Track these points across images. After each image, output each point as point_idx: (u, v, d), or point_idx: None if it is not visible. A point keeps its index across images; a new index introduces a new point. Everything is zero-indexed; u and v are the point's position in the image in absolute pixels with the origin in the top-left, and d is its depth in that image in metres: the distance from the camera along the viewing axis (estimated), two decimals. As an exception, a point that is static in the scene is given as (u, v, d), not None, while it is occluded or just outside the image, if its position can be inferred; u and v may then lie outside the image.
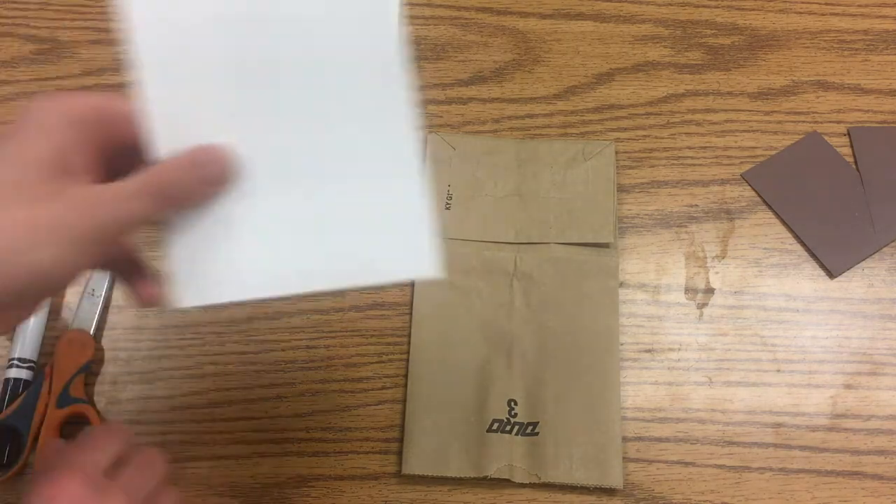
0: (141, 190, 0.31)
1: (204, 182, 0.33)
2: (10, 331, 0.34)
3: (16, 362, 0.52)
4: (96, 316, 0.53)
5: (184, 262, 0.35)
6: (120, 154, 0.33)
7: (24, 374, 0.52)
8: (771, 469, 0.51)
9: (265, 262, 0.36)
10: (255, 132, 0.35)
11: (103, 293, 0.54)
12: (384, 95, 0.36)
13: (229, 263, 0.36)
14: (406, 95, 0.36)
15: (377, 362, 0.54)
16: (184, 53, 0.35)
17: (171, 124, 0.34)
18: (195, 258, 0.35)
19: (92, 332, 0.53)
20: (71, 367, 0.51)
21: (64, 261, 0.30)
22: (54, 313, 0.54)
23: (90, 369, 0.52)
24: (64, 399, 0.50)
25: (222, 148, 0.34)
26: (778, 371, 0.54)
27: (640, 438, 0.52)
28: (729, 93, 0.62)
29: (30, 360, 0.52)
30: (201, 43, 0.35)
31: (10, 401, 0.51)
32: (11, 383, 0.51)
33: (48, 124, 0.31)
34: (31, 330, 0.53)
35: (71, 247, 0.30)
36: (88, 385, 0.52)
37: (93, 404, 0.52)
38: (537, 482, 0.49)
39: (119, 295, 0.55)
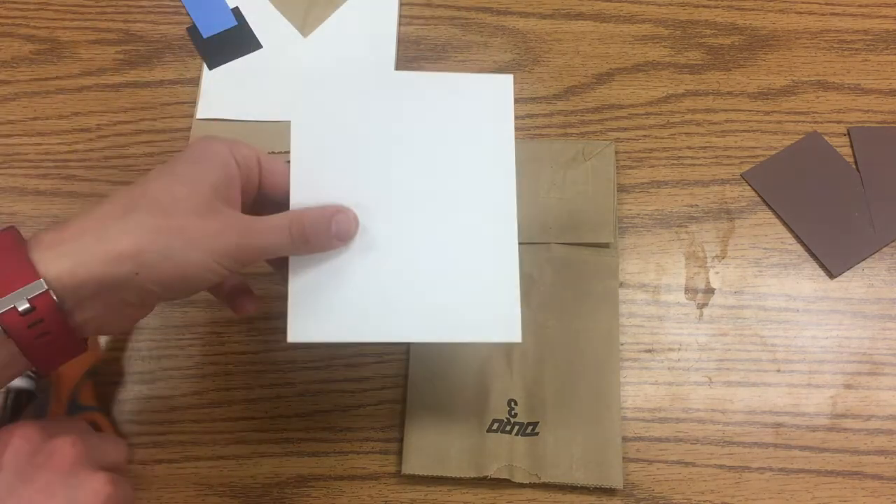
0: (286, 227, 0.39)
1: (335, 236, 0.40)
2: (129, 328, 0.41)
3: None
4: None
5: (299, 302, 0.41)
6: (252, 195, 0.42)
7: (24, 383, 0.50)
8: (771, 469, 0.51)
9: (369, 313, 0.42)
10: (374, 198, 0.42)
11: None
12: (493, 172, 0.44)
13: (338, 308, 0.41)
14: (512, 174, 0.43)
15: (377, 362, 0.54)
16: (329, 132, 0.43)
17: (308, 185, 0.42)
18: (309, 300, 0.41)
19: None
20: (74, 373, 0.49)
21: (205, 267, 0.36)
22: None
23: (97, 373, 0.51)
24: (73, 408, 0.48)
25: (353, 212, 0.41)
26: (778, 371, 0.54)
27: (640, 438, 0.52)
28: (729, 93, 0.62)
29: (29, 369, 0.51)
30: (346, 126, 0.43)
31: (13, 412, 0.49)
32: (13, 394, 0.50)
33: (223, 159, 0.39)
34: None
35: (215, 257, 0.37)
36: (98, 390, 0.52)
37: (105, 410, 0.51)
38: (537, 482, 0.49)
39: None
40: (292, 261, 0.41)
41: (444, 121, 0.44)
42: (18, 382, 0.50)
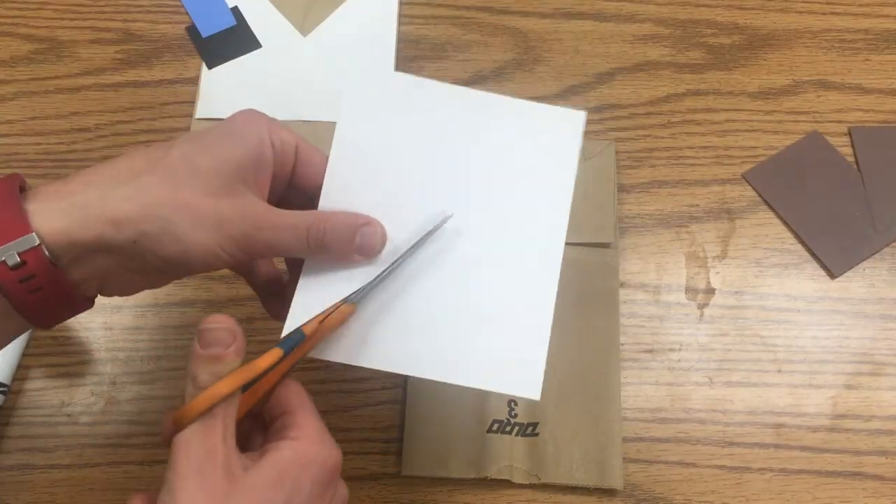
0: (304, 227, 0.36)
1: (357, 249, 0.37)
2: (132, 293, 0.37)
3: None
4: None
5: (302, 310, 0.37)
6: (283, 185, 0.39)
7: None
8: (772, 470, 0.51)
9: (378, 338, 0.38)
10: (410, 216, 0.39)
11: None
12: (543, 214, 0.39)
13: (351, 327, 0.38)
14: (564, 222, 0.39)
15: (377, 363, 0.54)
16: (376, 135, 0.40)
17: (343, 187, 0.38)
18: (314, 310, 0.37)
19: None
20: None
21: (208, 250, 0.34)
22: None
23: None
24: None
25: (383, 227, 0.38)
26: (779, 371, 0.53)
27: (640, 439, 0.52)
28: (729, 92, 0.62)
29: (2, 384, 0.50)
30: (395, 134, 0.40)
31: None
32: None
33: (258, 138, 0.36)
34: (8, 351, 0.51)
35: (220, 243, 0.34)
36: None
37: None
38: (537, 483, 0.49)
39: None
40: (308, 262, 0.38)
41: (500, 149, 0.40)
42: None
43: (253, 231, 0.35)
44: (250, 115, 0.37)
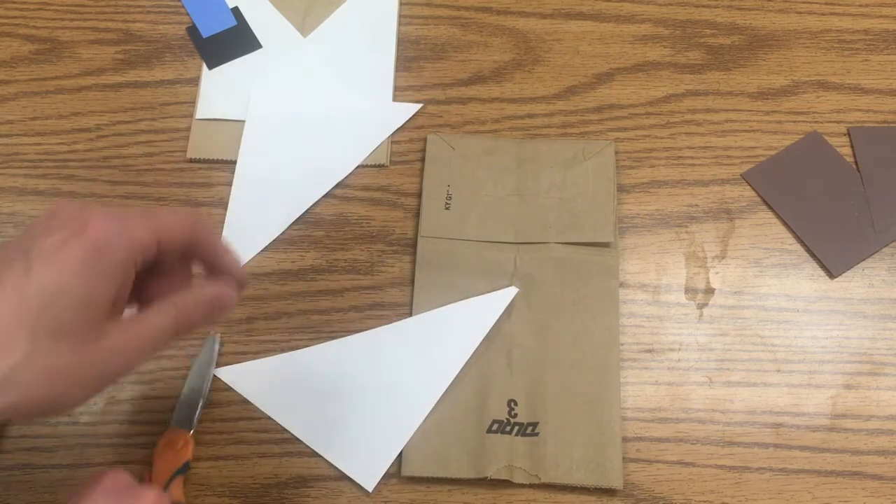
0: (169, 327, 0.37)
1: (213, 320, 0.40)
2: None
3: None
4: (197, 414, 0.51)
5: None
6: (166, 259, 0.39)
7: None
8: (771, 469, 0.51)
9: (271, 389, 0.52)
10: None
11: (204, 391, 0.52)
12: (438, 366, 0.52)
13: (252, 369, 0.53)
14: (450, 379, 0.51)
15: (377, 362, 0.54)
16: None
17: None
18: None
19: (192, 431, 0.50)
20: (169, 468, 0.49)
21: (83, 401, 0.35)
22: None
23: (189, 469, 0.49)
24: None
25: (231, 294, 0.41)
26: (778, 371, 0.54)
27: (640, 439, 0.52)
28: (729, 93, 0.62)
29: None
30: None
31: None
32: None
33: (125, 269, 0.35)
34: None
35: (77, 390, 0.34)
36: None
37: None
38: (537, 483, 0.49)
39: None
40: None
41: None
42: None
43: (129, 364, 0.36)
44: (113, 250, 0.34)
